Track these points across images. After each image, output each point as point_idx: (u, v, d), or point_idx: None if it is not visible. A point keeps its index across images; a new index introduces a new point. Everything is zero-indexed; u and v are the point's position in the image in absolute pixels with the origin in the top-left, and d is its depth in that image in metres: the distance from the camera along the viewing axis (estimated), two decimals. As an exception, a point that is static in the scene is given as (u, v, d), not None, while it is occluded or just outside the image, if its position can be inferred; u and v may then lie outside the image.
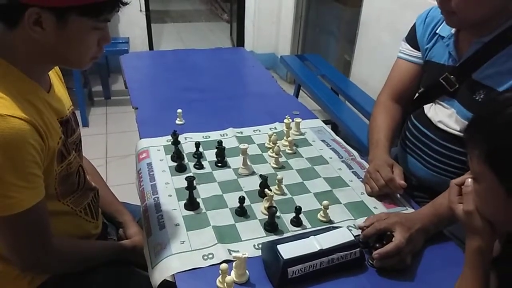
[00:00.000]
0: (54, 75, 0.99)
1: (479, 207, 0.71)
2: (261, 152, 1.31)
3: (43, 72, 0.91)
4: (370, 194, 1.13)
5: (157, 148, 1.30)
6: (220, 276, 0.84)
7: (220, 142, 1.25)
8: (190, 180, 1.03)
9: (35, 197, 0.81)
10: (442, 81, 1.15)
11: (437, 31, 1.20)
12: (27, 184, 0.78)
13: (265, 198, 1.06)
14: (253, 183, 1.15)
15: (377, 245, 0.91)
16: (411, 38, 1.28)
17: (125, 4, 0.82)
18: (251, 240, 0.97)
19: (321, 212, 1.04)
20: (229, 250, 0.92)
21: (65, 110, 0.96)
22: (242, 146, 1.19)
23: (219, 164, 1.23)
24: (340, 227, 0.95)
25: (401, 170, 1.11)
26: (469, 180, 0.75)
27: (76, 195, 0.99)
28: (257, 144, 1.35)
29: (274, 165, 1.24)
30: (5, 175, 0.75)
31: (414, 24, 1.28)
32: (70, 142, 0.97)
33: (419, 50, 1.26)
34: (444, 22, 1.15)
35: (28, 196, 0.79)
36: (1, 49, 0.81)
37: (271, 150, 1.29)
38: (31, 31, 0.77)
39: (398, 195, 1.13)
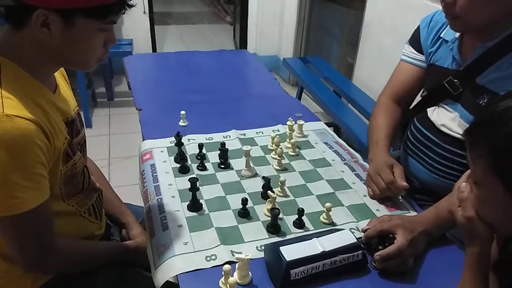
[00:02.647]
0: (60, 76, 1.00)
1: (479, 211, 0.71)
2: (264, 154, 1.31)
3: (49, 73, 0.91)
4: (372, 197, 1.13)
5: (160, 149, 1.31)
6: (223, 277, 0.84)
7: (223, 144, 1.25)
8: (193, 181, 1.03)
9: (40, 197, 0.81)
10: (446, 84, 1.16)
11: (441, 35, 1.20)
12: (32, 185, 0.79)
13: (267, 200, 1.06)
14: (256, 185, 1.16)
15: (379, 247, 0.91)
16: (415, 41, 1.28)
17: (131, 6, 0.83)
18: (253, 241, 0.97)
19: (324, 214, 1.04)
20: (232, 252, 0.93)
21: (70, 111, 0.97)
22: (245, 148, 1.20)
23: (222, 166, 1.23)
24: (342, 229, 0.96)
25: (402, 170, 1.11)
26: (463, 184, 0.74)
27: (81, 196, 1.00)
28: (260, 146, 1.35)
29: (277, 167, 1.24)
30: (10, 175, 0.75)
31: (418, 27, 1.28)
32: (75, 143, 0.97)
33: (422, 54, 1.27)
34: (449, 26, 1.15)
35: (33, 196, 0.80)
36: (8, 50, 0.81)
37: (274, 152, 1.29)
38: (38, 32, 0.78)
39: (400, 197, 1.13)
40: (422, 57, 1.27)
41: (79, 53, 0.85)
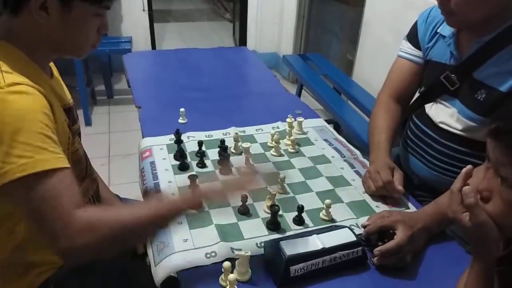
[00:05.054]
0: (54, 70, 1.01)
1: (503, 214, 0.67)
2: (263, 151, 1.31)
3: (46, 60, 0.93)
4: (367, 193, 1.13)
5: (160, 146, 1.31)
6: (223, 274, 0.84)
7: (222, 141, 1.25)
8: (192, 178, 1.03)
9: (58, 161, 0.75)
10: (443, 79, 1.15)
11: (438, 30, 1.20)
12: (47, 146, 0.74)
13: (267, 196, 1.06)
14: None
15: (379, 243, 0.91)
16: (413, 37, 1.28)
17: None
18: (253, 238, 0.97)
19: (324, 211, 1.04)
20: (232, 249, 0.93)
21: (67, 98, 0.99)
22: (244, 145, 1.20)
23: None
24: (342, 226, 0.96)
25: (402, 175, 1.11)
26: (469, 189, 0.69)
27: (84, 184, 1.01)
28: (260, 143, 1.35)
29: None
30: (18, 137, 0.71)
31: (416, 23, 1.28)
32: (74, 130, 0.98)
33: (420, 49, 1.26)
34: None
35: (49, 157, 0.74)
36: (7, 35, 0.83)
37: (273, 149, 1.29)
38: (37, 15, 0.79)
39: (401, 196, 1.13)
40: (419, 53, 1.27)
41: (75, 37, 0.87)
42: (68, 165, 0.77)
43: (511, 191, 0.65)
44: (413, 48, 1.27)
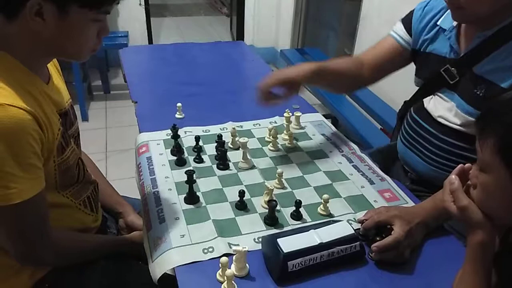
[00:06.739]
0: (53, 68, 0.99)
1: (482, 199, 0.71)
2: (261, 146, 1.31)
3: (42, 64, 0.90)
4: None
5: (156, 142, 1.30)
6: (220, 269, 0.84)
7: (220, 136, 1.24)
8: (190, 174, 1.02)
9: (35, 188, 0.80)
10: (443, 72, 1.15)
11: (438, 23, 1.19)
12: (27, 175, 0.78)
13: (265, 192, 1.05)
14: (253, 177, 1.15)
15: (377, 239, 0.91)
16: (406, 21, 1.27)
17: None
18: (251, 233, 0.96)
19: (321, 205, 1.04)
20: (229, 244, 0.92)
21: (63, 102, 0.96)
22: (242, 140, 1.19)
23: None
24: (340, 220, 0.95)
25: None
26: (453, 177, 0.75)
27: (76, 187, 0.99)
28: (257, 138, 1.35)
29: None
30: (4, 165, 0.75)
31: (413, 9, 1.27)
32: (69, 135, 0.96)
33: (410, 35, 1.26)
34: (445, 14, 1.14)
35: (28, 186, 0.79)
36: (2, 41, 0.80)
37: (271, 144, 1.29)
38: (32, 22, 0.77)
39: (399, 190, 1.13)
40: (408, 38, 1.26)
41: (73, 43, 0.84)
42: (42, 186, 0.83)
43: (482, 174, 0.70)
44: (404, 30, 1.27)
